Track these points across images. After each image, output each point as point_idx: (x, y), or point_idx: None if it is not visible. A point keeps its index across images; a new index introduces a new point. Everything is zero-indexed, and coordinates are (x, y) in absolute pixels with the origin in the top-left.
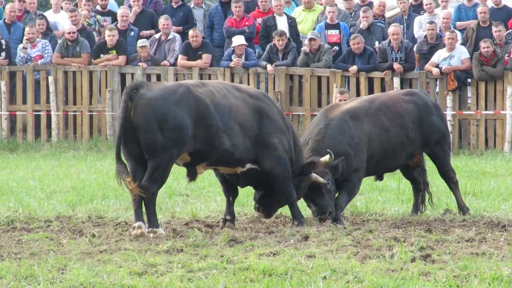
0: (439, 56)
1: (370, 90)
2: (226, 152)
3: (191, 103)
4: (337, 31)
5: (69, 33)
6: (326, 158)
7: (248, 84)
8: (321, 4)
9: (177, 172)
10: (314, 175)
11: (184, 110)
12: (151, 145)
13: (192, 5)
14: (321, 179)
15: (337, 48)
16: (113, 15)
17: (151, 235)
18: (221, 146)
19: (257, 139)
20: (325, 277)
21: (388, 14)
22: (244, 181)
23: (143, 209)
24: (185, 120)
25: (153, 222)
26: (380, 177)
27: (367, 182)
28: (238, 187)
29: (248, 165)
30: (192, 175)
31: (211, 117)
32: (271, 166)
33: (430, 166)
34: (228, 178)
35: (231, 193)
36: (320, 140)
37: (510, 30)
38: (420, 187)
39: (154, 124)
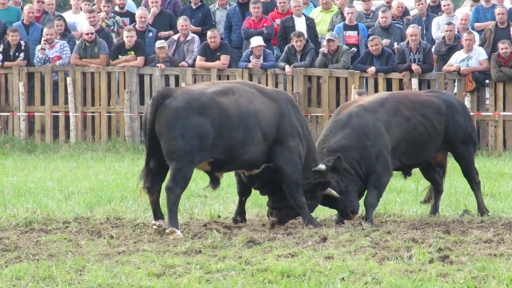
0: (456, 57)
1: (388, 91)
2: (247, 161)
3: (214, 113)
4: (356, 32)
5: (87, 34)
6: (320, 168)
7: (266, 86)
8: (335, 5)
9: (196, 173)
10: (328, 188)
11: (207, 119)
12: (172, 151)
13: (216, 6)
14: (333, 192)
15: (355, 49)
16: (131, 16)
17: (170, 236)
18: (242, 156)
19: (275, 140)
20: (343, 279)
21: (412, 13)
22: (258, 182)
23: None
24: (207, 128)
25: (174, 223)
26: (408, 173)
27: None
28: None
29: (263, 166)
30: (215, 182)
31: (234, 128)
32: (284, 163)
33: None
34: (243, 178)
35: (244, 193)
36: (322, 141)
37: None
38: (440, 189)
39: (177, 132)
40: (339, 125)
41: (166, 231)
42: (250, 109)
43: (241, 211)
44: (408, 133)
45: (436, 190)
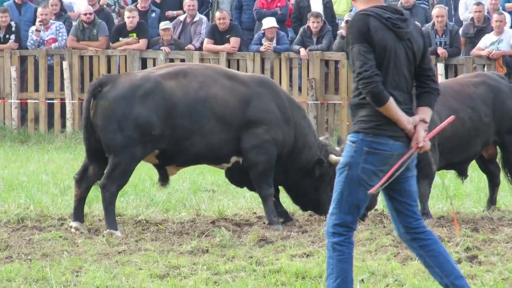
0: (486, 40)
1: None
2: (199, 154)
3: (158, 99)
4: None
5: (85, 14)
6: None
7: (280, 71)
8: None
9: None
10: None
11: (150, 107)
12: (109, 145)
13: None
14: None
15: None
16: None
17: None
18: (191, 148)
19: (240, 128)
20: (363, 280)
21: None
22: (236, 178)
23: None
24: (149, 117)
25: (111, 224)
26: (463, 173)
27: None
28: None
29: (234, 159)
30: (163, 179)
31: (178, 116)
32: (249, 151)
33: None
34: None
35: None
36: None
37: None
38: (497, 181)
39: (114, 125)
40: None
41: (104, 232)
42: (201, 95)
43: (281, 212)
44: (457, 127)
45: (493, 182)
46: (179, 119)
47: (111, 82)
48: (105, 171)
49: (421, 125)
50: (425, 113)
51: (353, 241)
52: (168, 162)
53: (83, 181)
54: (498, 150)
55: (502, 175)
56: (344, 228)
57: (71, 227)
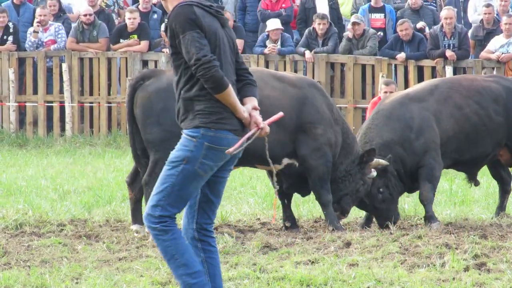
0: (495, 43)
1: (420, 80)
2: (252, 155)
3: None
4: (382, 15)
5: (85, 15)
6: (378, 162)
7: None
8: None
9: None
10: (375, 160)
11: None
12: (149, 139)
13: None
14: (382, 161)
15: (381, 33)
16: None
17: (135, 234)
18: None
19: (296, 130)
20: None
21: None
22: (288, 182)
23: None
24: None
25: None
26: (472, 178)
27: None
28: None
29: (286, 161)
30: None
31: None
32: (308, 155)
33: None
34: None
35: (286, 194)
36: (364, 134)
37: None
38: (508, 189)
39: (153, 117)
40: (381, 116)
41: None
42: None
43: (288, 216)
44: (461, 123)
45: (504, 189)
46: None
47: (154, 76)
48: (148, 168)
49: (255, 112)
50: (254, 102)
51: (176, 224)
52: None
53: (136, 183)
54: None
55: None
56: (170, 220)
57: (131, 230)
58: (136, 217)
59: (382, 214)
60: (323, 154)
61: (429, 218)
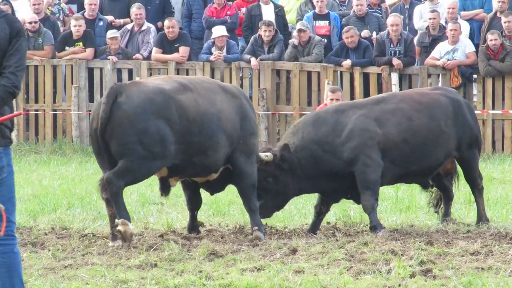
0: (440, 49)
1: (366, 87)
2: (205, 167)
3: (172, 114)
4: (327, 22)
5: (30, 23)
6: (265, 157)
7: (230, 81)
8: None
9: (151, 178)
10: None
11: (165, 122)
12: (126, 154)
13: None
14: (263, 155)
15: (325, 40)
16: (79, 3)
17: (119, 227)
18: (202, 162)
19: (238, 140)
20: None
21: (388, 2)
22: (214, 187)
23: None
24: (164, 132)
25: (123, 214)
26: (426, 186)
27: None
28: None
29: (222, 168)
30: (165, 189)
31: (195, 134)
32: (245, 164)
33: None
34: (200, 185)
35: (196, 206)
36: (287, 134)
37: None
38: (451, 195)
39: (133, 137)
40: (312, 117)
41: (116, 221)
42: (213, 110)
43: (193, 227)
44: (408, 133)
45: (447, 197)
46: (195, 136)
47: (124, 91)
48: (116, 167)
49: None
50: None
51: None
52: (176, 174)
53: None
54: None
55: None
56: None
57: (113, 246)
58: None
59: (270, 199)
60: (255, 163)
61: (375, 227)
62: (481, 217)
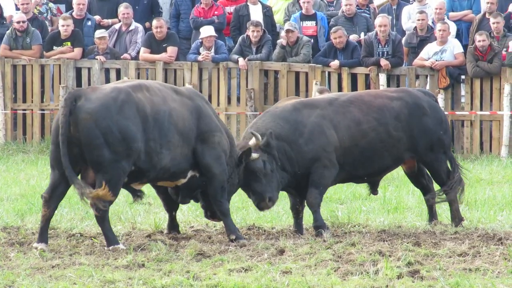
0: (429, 50)
1: (354, 87)
2: (163, 169)
3: (133, 111)
4: (313, 22)
5: (18, 22)
6: (252, 140)
7: (218, 81)
8: None
9: None
10: (252, 156)
11: (128, 119)
12: (98, 162)
13: None
14: (254, 155)
15: (312, 41)
16: (67, 3)
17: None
18: (159, 163)
19: (196, 141)
20: None
21: (376, 3)
22: (185, 193)
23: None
24: (130, 129)
25: (111, 240)
26: (374, 190)
27: (349, 189)
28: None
29: (190, 173)
30: (135, 193)
31: (149, 130)
32: (211, 163)
33: None
34: (169, 192)
35: (173, 207)
36: (250, 128)
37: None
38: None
39: (99, 139)
40: (271, 115)
41: (107, 249)
42: (164, 108)
43: (173, 226)
44: (357, 138)
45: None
46: (151, 132)
47: (82, 95)
48: (94, 189)
49: None
50: None
51: None
52: (137, 179)
53: (52, 201)
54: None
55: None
56: None
57: (36, 248)
58: (43, 235)
59: (260, 188)
60: (223, 162)
61: (319, 227)
62: (455, 218)
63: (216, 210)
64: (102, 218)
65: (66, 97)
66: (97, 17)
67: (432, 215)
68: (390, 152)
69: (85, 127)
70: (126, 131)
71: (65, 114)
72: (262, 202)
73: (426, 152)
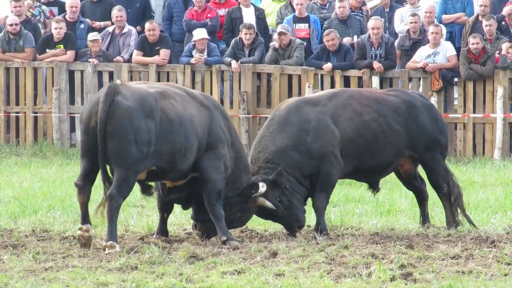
0: (422, 53)
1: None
2: (180, 172)
3: (159, 116)
4: (306, 25)
5: (11, 25)
6: (261, 190)
7: (211, 84)
8: None
9: None
10: (261, 199)
11: (153, 123)
12: (123, 157)
13: None
14: (268, 203)
15: (305, 43)
16: (60, 5)
17: (107, 250)
18: (180, 166)
19: (206, 147)
20: None
21: (369, 5)
22: (179, 194)
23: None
24: (152, 134)
25: (113, 236)
26: (374, 186)
27: (342, 192)
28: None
29: (190, 175)
30: (146, 190)
31: (176, 133)
32: (209, 169)
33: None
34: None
35: (167, 208)
36: (258, 142)
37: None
38: (424, 196)
39: (131, 135)
40: (276, 122)
41: (104, 244)
42: (187, 114)
43: (163, 231)
44: (360, 129)
45: (420, 197)
46: (175, 135)
47: (120, 91)
48: (113, 181)
49: None
50: None
51: None
52: (154, 178)
53: (86, 187)
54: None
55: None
56: None
57: (80, 229)
58: (86, 219)
59: (285, 221)
60: (222, 171)
61: (321, 230)
62: (449, 222)
63: (209, 213)
64: (113, 213)
65: (107, 92)
66: (88, 20)
67: (425, 218)
68: (392, 145)
69: (121, 121)
70: (150, 134)
71: (105, 110)
72: (293, 232)
73: (423, 151)
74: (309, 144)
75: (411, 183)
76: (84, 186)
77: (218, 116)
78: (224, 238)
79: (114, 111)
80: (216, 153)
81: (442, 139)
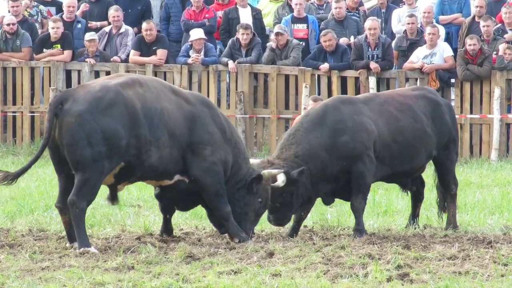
0: (418, 53)
1: (343, 91)
2: (150, 167)
3: (121, 109)
4: (305, 25)
5: (8, 24)
6: (280, 180)
7: (208, 84)
8: None
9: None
10: (267, 171)
11: (115, 118)
12: (78, 161)
13: None
14: (275, 171)
15: (303, 44)
16: (57, 5)
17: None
18: (146, 161)
19: (187, 148)
20: None
21: (367, 6)
22: (171, 196)
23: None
24: (116, 129)
25: (84, 241)
26: (406, 186)
27: None
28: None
29: (177, 177)
30: (113, 197)
31: (139, 126)
32: (200, 175)
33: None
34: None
35: (168, 209)
36: (293, 135)
37: (499, 25)
38: (420, 197)
39: (83, 141)
40: (311, 120)
41: (77, 251)
42: (156, 106)
43: (167, 229)
44: (397, 134)
45: (416, 198)
46: (140, 128)
47: (70, 97)
48: (73, 188)
49: None
50: None
51: None
52: (125, 177)
53: (66, 207)
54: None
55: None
56: None
57: (72, 247)
58: (71, 237)
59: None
60: (214, 172)
61: (359, 231)
62: (450, 223)
63: (217, 215)
64: (78, 219)
65: (51, 102)
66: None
67: (414, 218)
68: (426, 149)
69: (69, 130)
70: (110, 132)
71: (49, 120)
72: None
73: (443, 150)
74: (344, 144)
75: (413, 182)
76: (65, 207)
77: (207, 115)
78: (237, 240)
79: (62, 120)
80: (202, 155)
81: (457, 140)
